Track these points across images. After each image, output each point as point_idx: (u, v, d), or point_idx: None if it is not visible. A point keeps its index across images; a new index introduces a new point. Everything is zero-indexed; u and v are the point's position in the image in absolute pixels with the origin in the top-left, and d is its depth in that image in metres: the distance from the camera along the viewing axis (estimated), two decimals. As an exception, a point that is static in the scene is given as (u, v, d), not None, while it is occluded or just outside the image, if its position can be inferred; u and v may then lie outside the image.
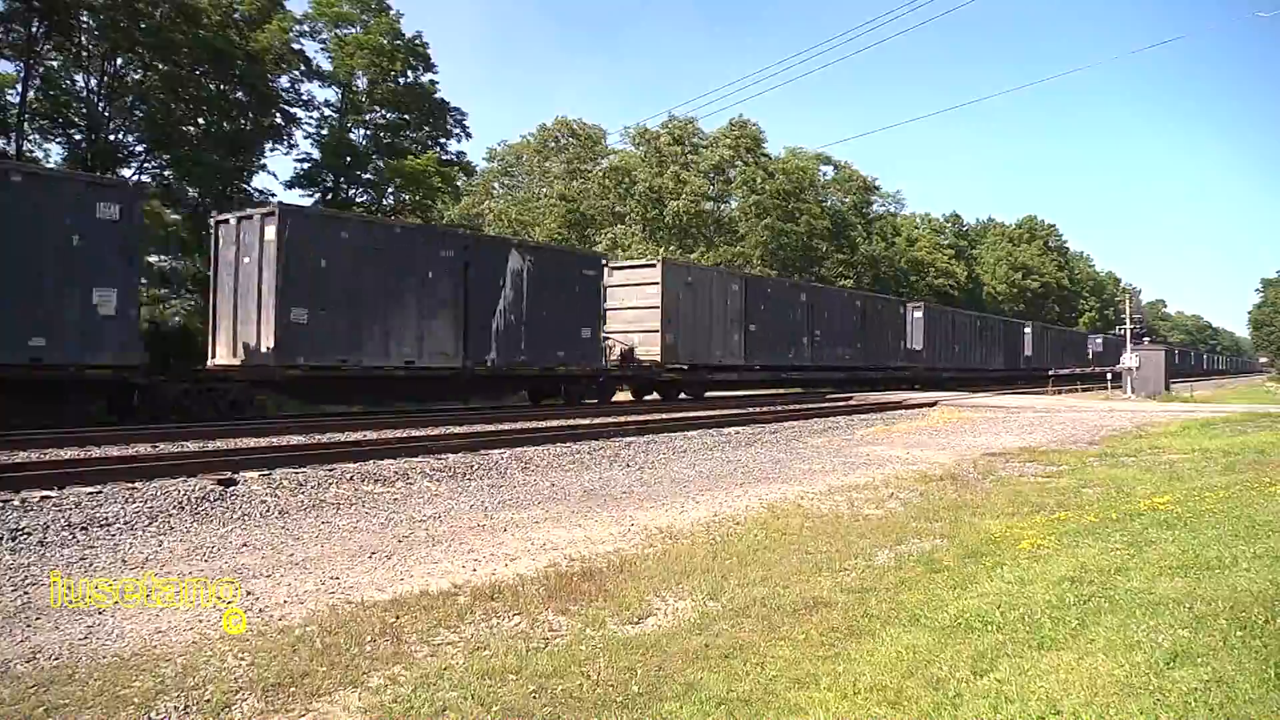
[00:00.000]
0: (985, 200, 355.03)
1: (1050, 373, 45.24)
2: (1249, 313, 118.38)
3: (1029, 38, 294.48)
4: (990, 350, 49.31)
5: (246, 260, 17.09)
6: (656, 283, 25.07)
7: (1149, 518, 7.88)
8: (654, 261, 26.05)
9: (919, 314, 41.35)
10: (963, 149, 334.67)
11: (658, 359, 24.88)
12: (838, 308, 34.94)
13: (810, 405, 25.24)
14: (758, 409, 22.34)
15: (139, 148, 32.69)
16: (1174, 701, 3.64)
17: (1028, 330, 57.19)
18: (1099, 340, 71.80)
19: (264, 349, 16.74)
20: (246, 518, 8.13)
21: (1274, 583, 5.37)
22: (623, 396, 26.98)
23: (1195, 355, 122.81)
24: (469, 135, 43.73)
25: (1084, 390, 38.98)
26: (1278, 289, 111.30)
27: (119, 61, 31.66)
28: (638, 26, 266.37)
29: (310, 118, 38.97)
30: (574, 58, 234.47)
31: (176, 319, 31.54)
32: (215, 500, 8.60)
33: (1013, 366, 52.03)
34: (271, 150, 37.57)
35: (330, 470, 10.42)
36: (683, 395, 27.01)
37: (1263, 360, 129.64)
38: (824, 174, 69.24)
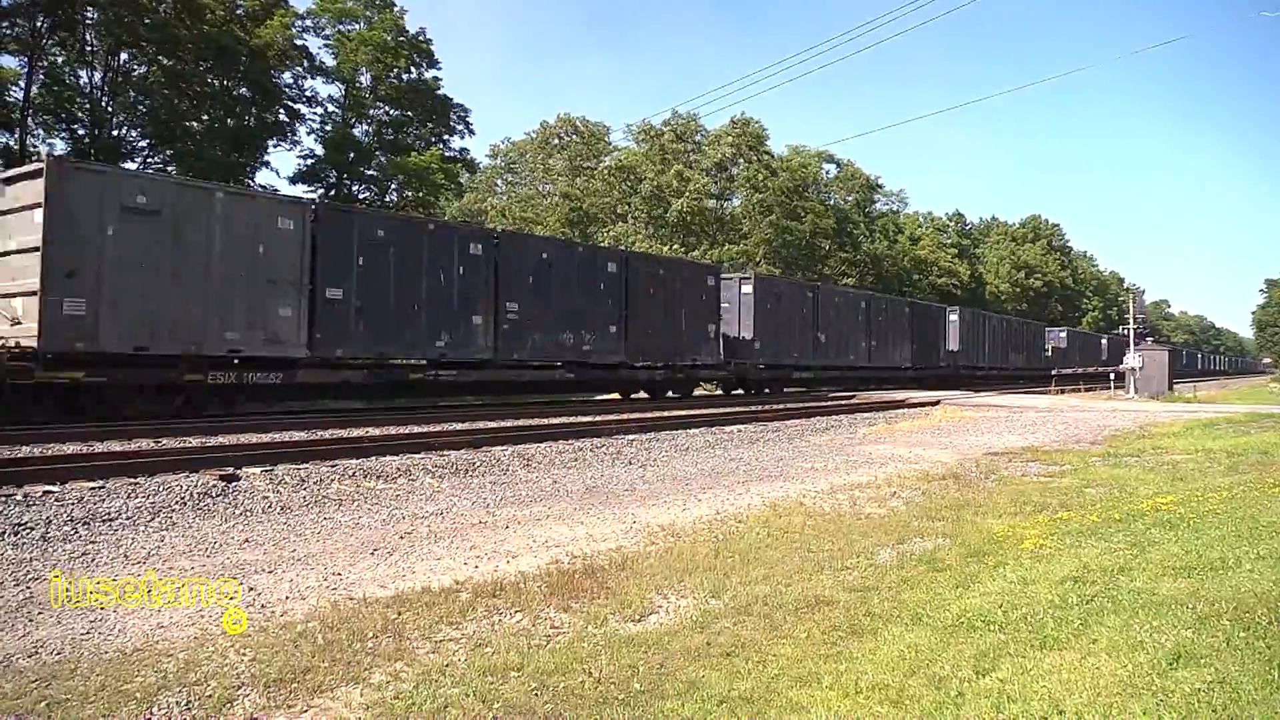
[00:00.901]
0: (989, 199, 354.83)
1: (1054, 372, 45.05)
2: (1253, 313, 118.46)
3: (1032, 37, 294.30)
4: (889, 342, 37.44)
5: None
6: (39, 204, 13.27)
7: (1152, 518, 7.87)
8: (38, 166, 13.71)
9: (747, 289, 28.97)
10: (966, 148, 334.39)
11: (36, 343, 13.02)
12: (562, 271, 21.57)
13: (813, 404, 25.19)
14: (761, 407, 22.29)
15: (142, 143, 32.77)
16: (1177, 702, 3.63)
17: (953, 317, 45.06)
18: (1060, 335, 63.03)
19: None
20: (249, 514, 8.13)
21: (1277, 584, 5.36)
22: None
23: (1198, 356, 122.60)
24: (472, 132, 43.86)
25: (1087, 390, 38.94)
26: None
27: (123, 56, 31.74)
28: (652, 25, 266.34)
29: (313, 114, 39.09)
30: (587, 53, 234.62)
31: None
32: (217, 496, 8.61)
33: (927, 363, 40.82)
34: (275, 146, 37.64)
35: (332, 466, 10.44)
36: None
37: (1266, 361, 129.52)
38: (826, 172, 69.23)
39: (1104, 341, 72.74)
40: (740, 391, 30.29)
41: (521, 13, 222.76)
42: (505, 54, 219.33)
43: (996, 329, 50.00)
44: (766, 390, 30.40)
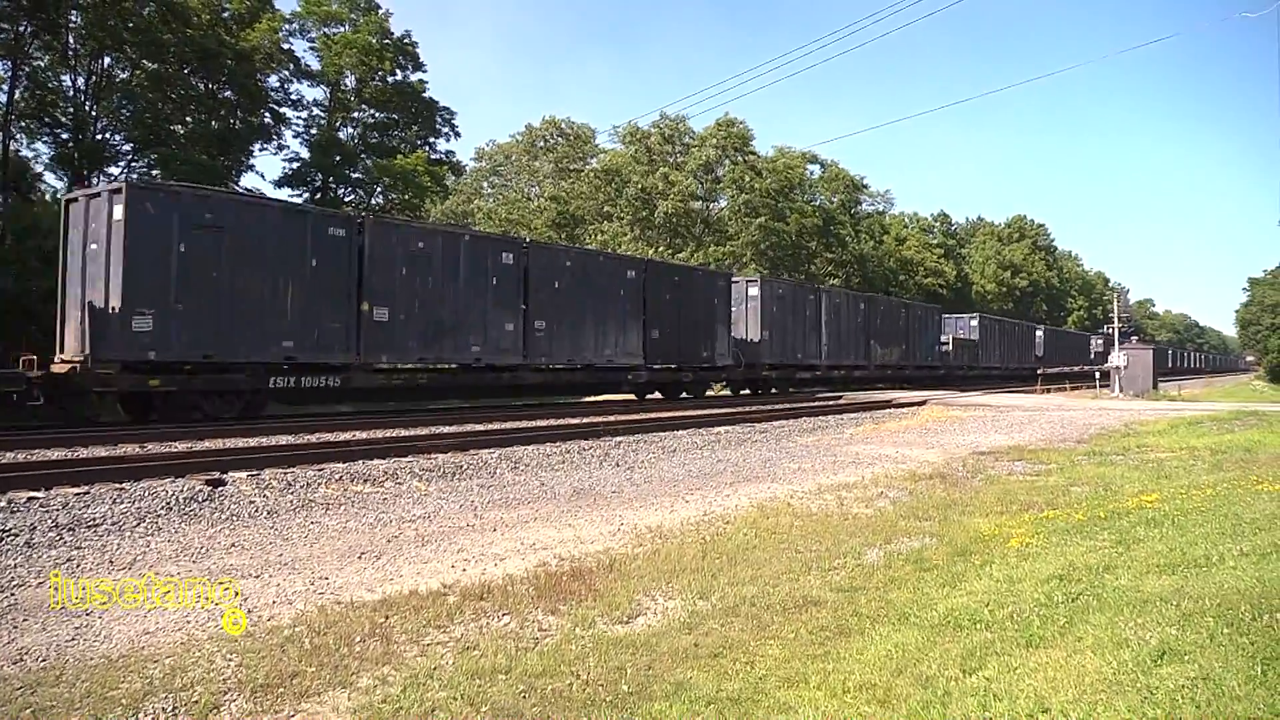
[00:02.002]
0: (975, 199, 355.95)
1: (1040, 372, 45.20)
2: (1236, 311, 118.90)
3: (1017, 37, 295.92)
4: (589, 324, 22.84)
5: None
6: None
7: (1137, 516, 7.92)
8: None
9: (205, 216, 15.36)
10: (952, 148, 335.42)
11: None
12: None
13: (800, 405, 25.22)
14: (748, 408, 22.30)
15: (126, 147, 32.57)
16: (1162, 699, 3.64)
17: (753, 291, 30.15)
18: (968, 323, 48.77)
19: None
20: (235, 518, 8.09)
21: (1261, 580, 5.39)
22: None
23: (1183, 354, 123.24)
24: (458, 134, 43.82)
25: (1073, 389, 39.17)
26: (1264, 288, 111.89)
27: (106, 61, 31.56)
28: (652, 26, 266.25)
29: (299, 117, 38.98)
30: (587, 55, 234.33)
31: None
32: (204, 501, 8.56)
33: (690, 360, 26.40)
34: (261, 150, 37.49)
35: (319, 470, 10.40)
36: None
37: (1249, 359, 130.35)
38: (811, 173, 69.34)
39: (1039, 335, 61.04)
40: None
41: (522, 15, 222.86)
42: (506, 56, 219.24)
43: (844, 311, 35.23)
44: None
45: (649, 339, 24.82)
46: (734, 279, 30.69)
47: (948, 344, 44.66)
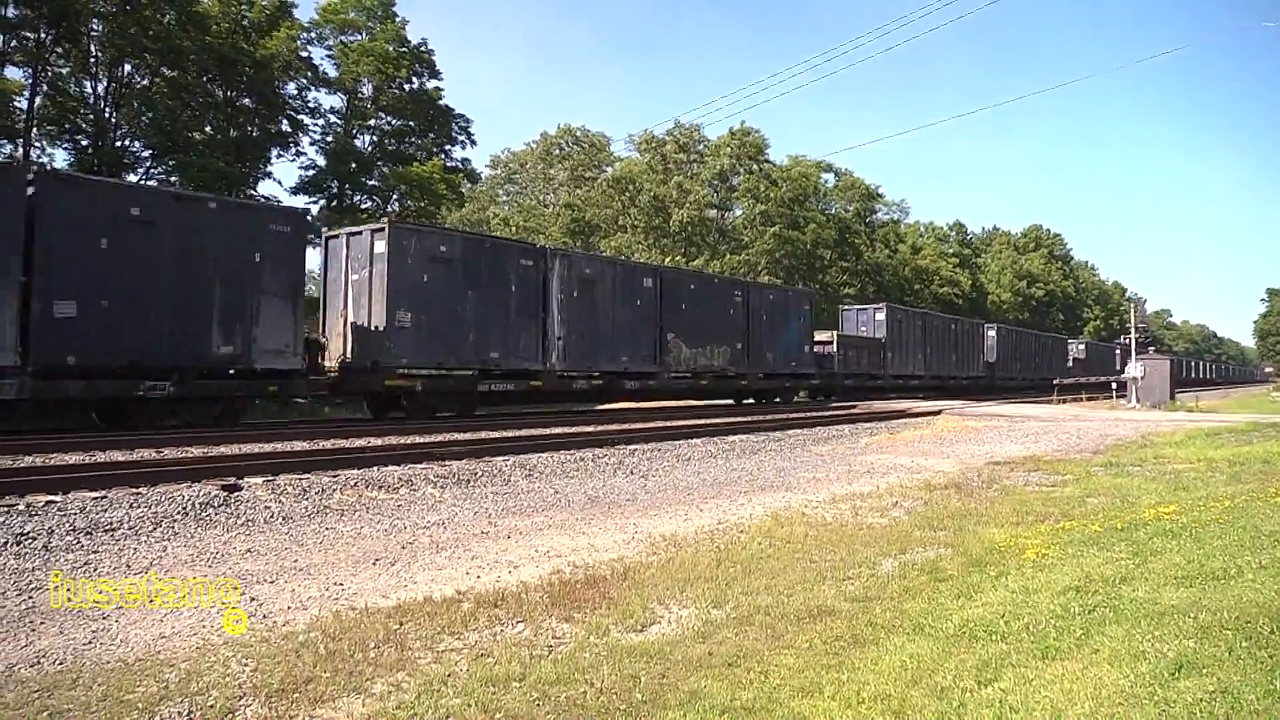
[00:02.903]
0: (990, 209, 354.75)
1: (1055, 382, 44.94)
2: (1254, 322, 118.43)
3: (1036, 46, 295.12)
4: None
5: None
6: None
7: (1154, 527, 7.85)
8: None
9: None
10: (968, 157, 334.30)
11: None
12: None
13: (815, 414, 25.16)
14: (763, 417, 22.26)
15: (145, 153, 32.84)
16: (1179, 712, 3.61)
17: (381, 246, 17.84)
18: (871, 317, 36.98)
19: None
20: (250, 523, 8.13)
21: (1279, 593, 5.35)
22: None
23: (1200, 365, 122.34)
24: (474, 142, 43.99)
25: (1088, 400, 38.96)
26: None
27: (126, 68, 31.87)
28: (672, 33, 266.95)
29: (316, 124, 39.20)
30: (606, 64, 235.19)
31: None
32: (219, 506, 8.61)
33: (175, 360, 14.76)
34: (278, 157, 37.72)
35: (334, 476, 10.43)
36: None
37: (1268, 370, 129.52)
38: (825, 181, 69.30)
39: (990, 335, 48.10)
40: None
41: (540, 21, 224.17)
42: (524, 63, 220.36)
43: (605, 288, 23.08)
44: None
45: (44, 321, 13.46)
46: (354, 230, 19.03)
47: (830, 343, 32.86)
